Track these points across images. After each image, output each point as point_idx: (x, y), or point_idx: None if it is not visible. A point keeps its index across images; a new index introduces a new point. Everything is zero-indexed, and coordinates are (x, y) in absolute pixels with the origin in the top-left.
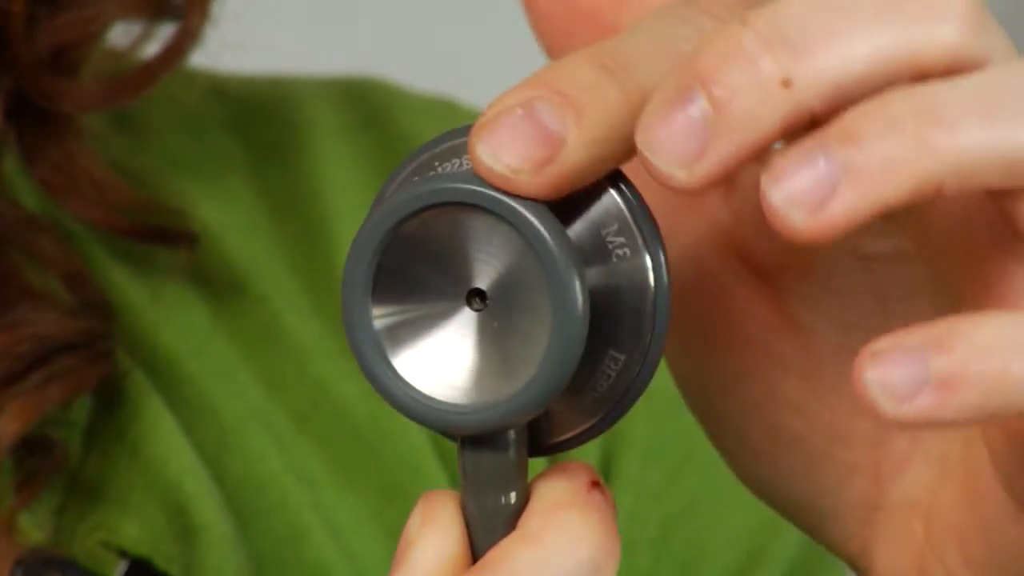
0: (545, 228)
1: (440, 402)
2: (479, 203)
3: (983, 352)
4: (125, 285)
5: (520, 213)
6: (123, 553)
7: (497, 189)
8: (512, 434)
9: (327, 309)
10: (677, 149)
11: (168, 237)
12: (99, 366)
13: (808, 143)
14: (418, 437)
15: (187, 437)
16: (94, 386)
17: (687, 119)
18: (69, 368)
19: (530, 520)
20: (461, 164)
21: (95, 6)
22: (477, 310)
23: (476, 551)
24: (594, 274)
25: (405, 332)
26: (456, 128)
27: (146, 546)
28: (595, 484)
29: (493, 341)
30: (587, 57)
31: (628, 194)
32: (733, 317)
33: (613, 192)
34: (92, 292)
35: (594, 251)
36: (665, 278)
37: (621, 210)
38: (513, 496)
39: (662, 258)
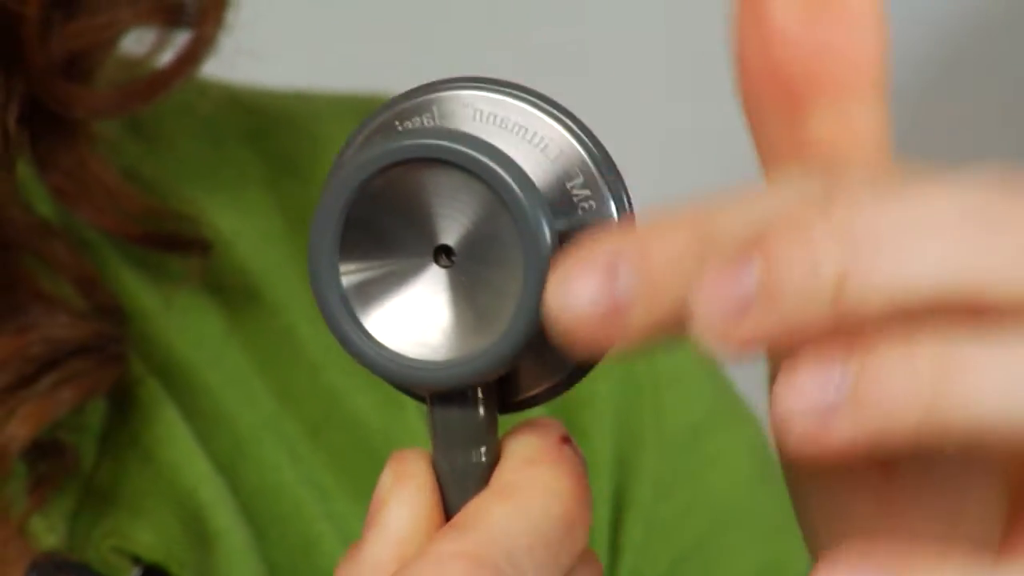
0: (515, 181)
1: (411, 359)
2: (450, 158)
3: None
4: (138, 292)
5: (490, 167)
6: (136, 559)
7: (462, 143)
8: (481, 391)
9: None
10: (719, 312)
11: (181, 244)
12: (112, 369)
13: (828, 358)
14: (429, 448)
15: (202, 445)
16: (107, 389)
17: (737, 285)
18: (81, 371)
19: (503, 476)
20: (424, 121)
21: (110, 12)
22: (445, 266)
23: (448, 509)
24: (561, 227)
25: (372, 290)
26: (417, 87)
27: (160, 552)
28: (565, 439)
29: (462, 297)
30: (687, 228)
31: (592, 147)
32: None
33: (577, 145)
34: (105, 297)
35: (560, 203)
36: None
37: (586, 163)
38: (484, 453)
39: (627, 210)
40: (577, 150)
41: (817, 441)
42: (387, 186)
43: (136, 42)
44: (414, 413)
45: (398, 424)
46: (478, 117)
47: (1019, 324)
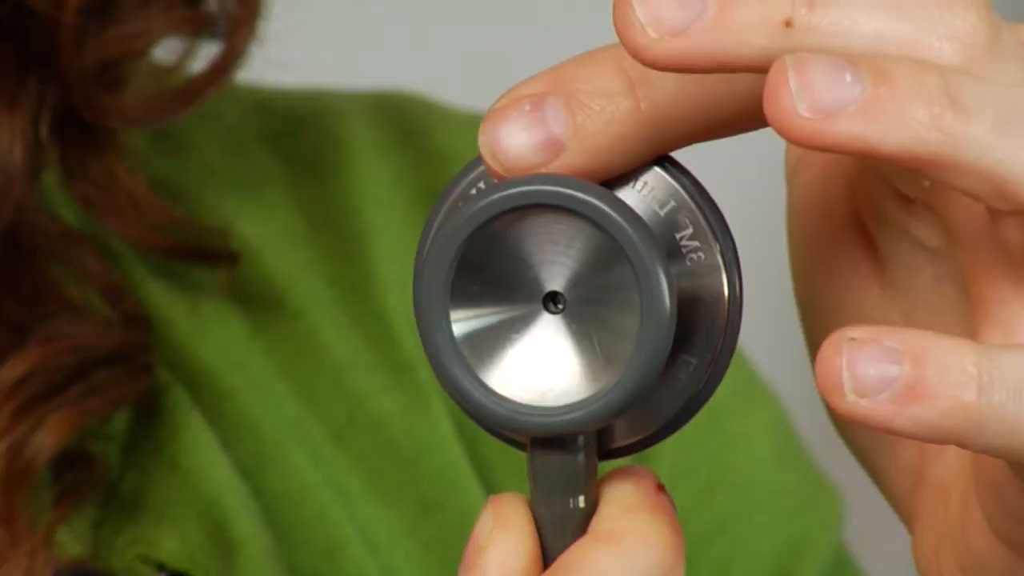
0: (632, 226)
1: (523, 405)
2: (568, 205)
3: (954, 377)
4: (163, 300)
5: (608, 213)
6: (161, 567)
7: (583, 191)
8: (583, 438)
9: (364, 323)
10: (663, 14)
11: (208, 256)
12: (139, 379)
13: (840, 59)
14: (454, 451)
15: (226, 451)
16: (135, 399)
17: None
18: (109, 381)
19: (603, 523)
20: None
21: (143, 22)
22: (554, 313)
23: (546, 555)
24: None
25: (481, 336)
26: None
27: (184, 560)
28: (660, 487)
29: (573, 344)
30: (611, 62)
31: (700, 199)
32: (840, 254)
33: (687, 197)
34: (131, 306)
35: (670, 254)
36: (739, 285)
37: (696, 215)
38: (582, 500)
39: (736, 264)
40: (686, 201)
41: (819, 128)
42: (497, 234)
43: (164, 53)
44: (439, 413)
45: (423, 425)
46: None
47: None
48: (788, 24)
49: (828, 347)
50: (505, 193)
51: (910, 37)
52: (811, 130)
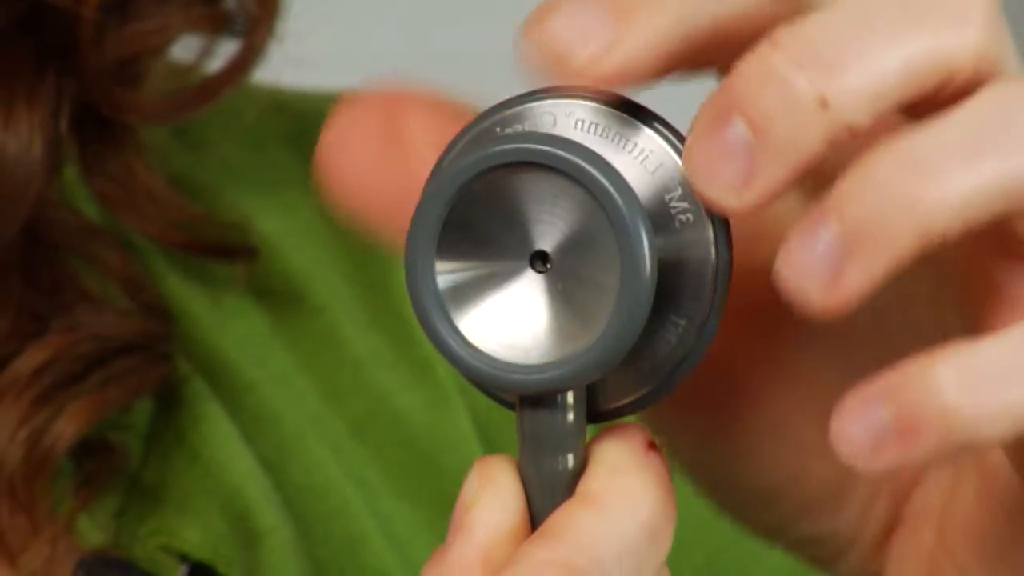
0: (615, 188)
1: (504, 361)
2: (551, 163)
3: (933, 395)
4: (184, 294)
5: (590, 172)
6: (183, 557)
7: (568, 150)
8: (571, 396)
9: (383, 322)
10: (725, 177)
11: (227, 252)
12: (159, 368)
13: (808, 219)
14: (474, 449)
15: (247, 444)
16: (154, 388)
17: (729, 146)
18: (129, 369)
19: (590, 484)
20: (525, 128)
21: (161, 19)
22: (541, 271)
23: (533, 515)
24: (658, 238)
25: (467, 292)
26: (518, 95)
27: (207, 551)
28: (651, 446)
29: (557, 302)
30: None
31: None
32: (740, 380)
33: (677, 159)
34: (151, 297)
35: (658, 215)
36: (727, 244)
37: (684, 176)
38: (571, 459)
39: (725, 227)
40: (676, 163)
41: (835, 294)
42: (487, 189)
43: (181, 51)
44: (459, 411)
45: (443, 422)
46: (579, 126)
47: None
48: (824, 104)
49: (831, 426)
50: (492, 151)
51: (932, 51)
52: (830, 303)
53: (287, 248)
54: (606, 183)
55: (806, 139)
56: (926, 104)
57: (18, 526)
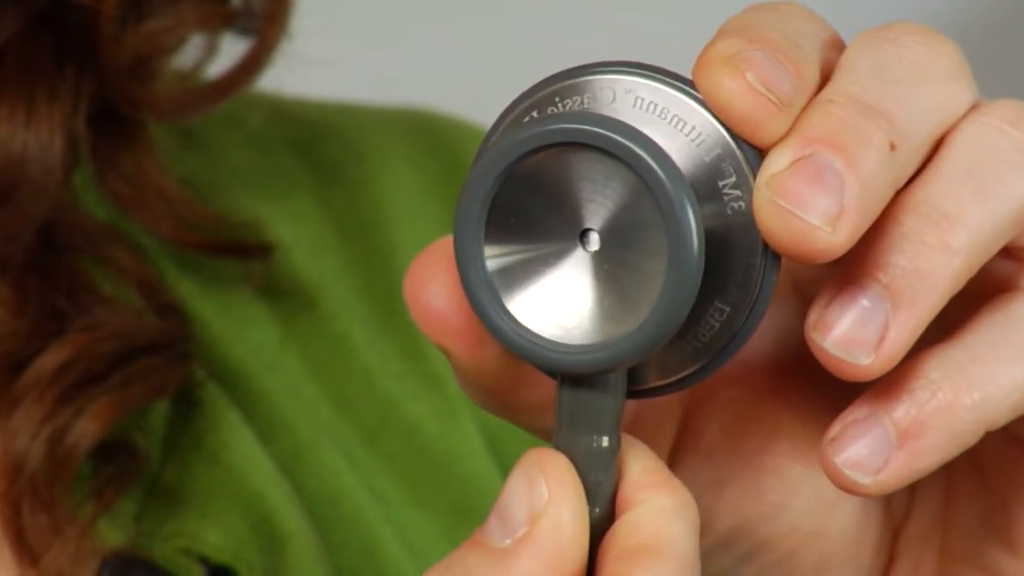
0: (662, 169)
1: (549, 341)
2: (598, 144)
3: (929, 393)
4: (194, 299)
5: (637, 153)
6: (204, 560)
7: (620, 133)
8: (612, 377)
9: (393, 334)
10: (821, 206)
11: (242, 250)
12: (180, 368)
13: (839, 288)
14: (485, 462)
15: (263, 449)
16: (175, 388)
17: (821, 179)
18: (150, 369)
19: (643, 532)
20: (584, 102)
21: (175, 16)
22: (589, 251)
23: None
24: (709, 222)
25: (515, 271)
26: (580, 66)
27: (228, 554)
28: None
29: (603, 284)
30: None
31: (747, 148)
32: (756, 436)
33: (733, 145)
34: (166, 299)
35: (710, 200)
36: None
37: (739, 163)
38: (606, 440)
39: None
40: (732, 149)
41: (883, 354)
42: (536, 167)
43: (183, 55)
44: (469, 420)
45: (454, 432)
46: (638, 104)
47: None
48: (893, 147)
49: (823, 460)
50: (542, 129)
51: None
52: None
53: (297, 254)
54: (657, 169)
55: (880, 183)
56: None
57: (40, 525)
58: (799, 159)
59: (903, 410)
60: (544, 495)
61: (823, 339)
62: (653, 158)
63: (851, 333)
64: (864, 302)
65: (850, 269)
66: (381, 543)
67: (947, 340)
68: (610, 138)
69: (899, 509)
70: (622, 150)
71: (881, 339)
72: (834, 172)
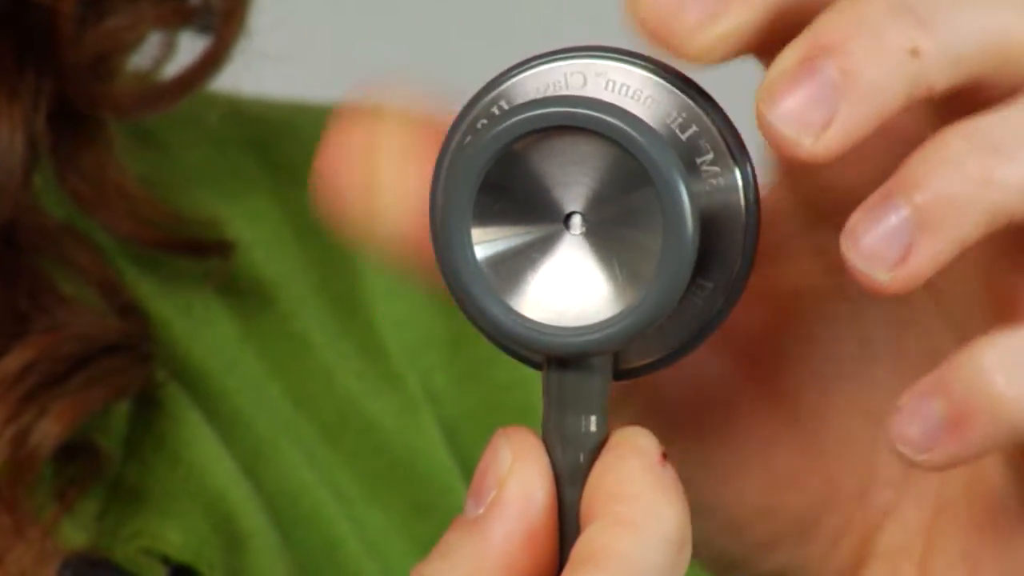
0: (652, 146)
1: (540, 324)
2: (589, 126)
3: (982, 381)
4: (155, 299)
5: (627, 131)
6: (165, 560)
7: (608, 112)
8: (600, 358)
9: (353, 332)
10: (806, 117)
11: (202, 248)
12: (142, 368)
13: (875, 198)
14: (445, 458)
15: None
16: (137, 389)
17: (816, 88)
18: (112, 370)
19: (619, 505)
20: (552, 88)
21: (134, 14)
22: (576, 234)
23: (557, 475)
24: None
25: (502, 257)
26: (549, 52)
27: (189, 553)
28: (664, 456)
29: (593, 265)
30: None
31: (723, 125)
32: (718, 407)
33: (709, 123)
34: (126, 300)
35: (691, 178)
36: (756, 211)
37: (716, 140)
38: (594, 421)
39: (755, 191)
40: (708, 127)
41: (904, 274)
42: (522, 152)
43: (141, 54)
44: (429, 417)
45: (413, 429)
46: (610, 87)
47: None
48: (915, 54)
49: (886, 429)
50: (531, 114)
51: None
52: (899, 284)
53: (255, 253)
54: (647, 145)
55: (891, 88)
56: (982, 94)
57: (2, 526)
58: (795, 68)
59: None
60: (508, 458)
61: (850, 249)
62: (643, 136)
63: (875, 247)
64: (892, 218)
65: (894, 179)
66: (341, 540)
67: None
68: (601, 119)
69: (874, 511)
70: (613, 130)
71: (902, 259)
72: (828, 83)
